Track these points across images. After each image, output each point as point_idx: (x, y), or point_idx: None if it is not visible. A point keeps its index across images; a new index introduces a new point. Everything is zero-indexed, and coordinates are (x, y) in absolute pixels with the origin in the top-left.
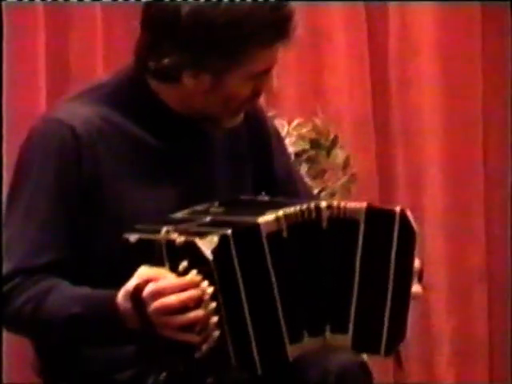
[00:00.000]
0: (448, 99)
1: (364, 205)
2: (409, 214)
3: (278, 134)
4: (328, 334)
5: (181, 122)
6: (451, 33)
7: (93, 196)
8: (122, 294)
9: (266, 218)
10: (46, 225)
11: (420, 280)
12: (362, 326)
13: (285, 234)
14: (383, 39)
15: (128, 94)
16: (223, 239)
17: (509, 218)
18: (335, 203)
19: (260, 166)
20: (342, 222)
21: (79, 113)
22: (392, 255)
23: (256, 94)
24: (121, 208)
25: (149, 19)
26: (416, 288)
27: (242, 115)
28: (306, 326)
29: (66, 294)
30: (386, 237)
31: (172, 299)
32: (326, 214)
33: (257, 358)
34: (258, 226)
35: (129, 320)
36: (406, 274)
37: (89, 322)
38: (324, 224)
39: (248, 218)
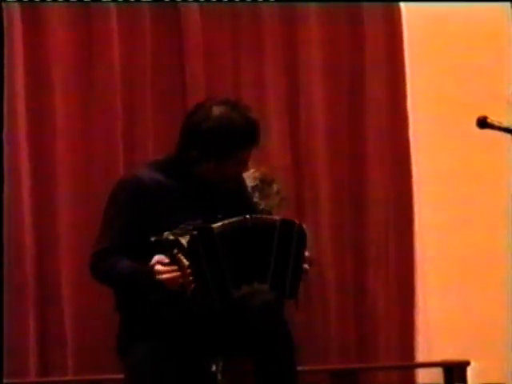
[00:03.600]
0: None
1: (279, 218)
2: (304, 225)
3: (247, 188)
4: (256, 284)
5: (198, 181)
6: None
7: (151, 217)
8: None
9: (216, 224)
10: (120, 231)
11: (310, 263)
12: (274, 281)
13: (227, 232)
14: None
15: (171, 166)
16: (192, 236)
17: None
18: (258, 215)
19: (235, 203)
20: (265, 225)
21: (144, 172)
22: (293, 244)
23: (239, 172)
24: (162, 222)
25: (185, 127)
26: (305, 266)
27: (233, 183)
28: (243, 281)
29: (124, 264)
30: (290, 234)
31: (165, 273)
32: (252, 221)
33: (215, 297)
34: (211, 228)
35: (150, 281)
36: (300, 255)
37: (133, 279)
38: (250, 225)
39: (209, 225)
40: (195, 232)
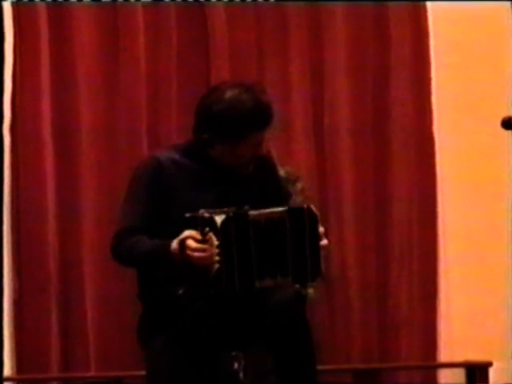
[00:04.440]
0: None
1: (286, 207)
2: (312, 207)
3: (277, 172)
4: (279, 278)
5: (217, 165)
6: None
7: (168, 196)
8: (174, 241)
9: (254, 211)
10: (141, 209)
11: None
12: (296, 271)
13: (262, 221)
14: None
15: (191, 150)
16: (227, 217)
17: None
18: (267, 210)
19: (265, 189)
20: (276, 219)
21: (165, 154)
22: (306, 228)
23: (254, 155)
24: (180, 201)
25: (198, 110)
26: (324, 241)
27: (250, 167)
28: (267, 273)
29: (146, 242)
30: (301, 219)
31: (194, 245)
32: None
33: (237, 283)
34: (247, 213)
35: (174, 254)
36: (315, 237)
37: (155, 255)
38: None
39: (245, 210)
40: (231, 214)
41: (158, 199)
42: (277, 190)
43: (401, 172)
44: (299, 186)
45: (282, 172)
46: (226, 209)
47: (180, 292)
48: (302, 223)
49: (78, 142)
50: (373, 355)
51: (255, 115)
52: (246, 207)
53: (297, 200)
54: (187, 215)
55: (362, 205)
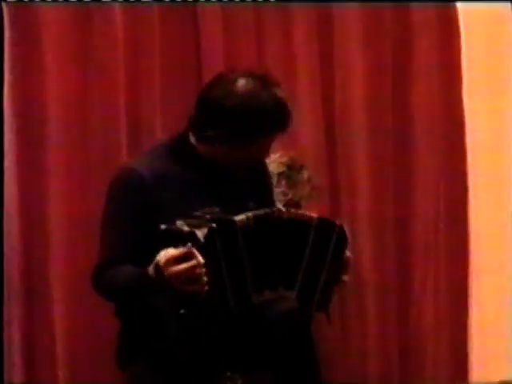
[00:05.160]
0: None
1: (316, 215)
2: (345, 226)
3: (268, 175)
4: (281, 289)
5: (208, 166)
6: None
7: (155, 216)
8: (151, 267)
9: (239, 216)
10: (121, 236)
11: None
12: (303, 289)
13: (252, 226)
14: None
15: (177, 149)
16: (210, 230)
17: None
18: (292, 209)
19: (257, 191)
20: (298, 222)
21: (146, 164)
22: (330, 250)
23: (257, 159)
24: (170, 219)
25: (203, 104)
26: (345, 277)
27: (244, 170)
28: (266, 285)
29: (125, 273)
30: (327, 238)
31: (176, 269)
32: (286, 215)
33: (232, 302)
34: (233, 220)
35: (155, 281)
36: (336, 265)
37: (136, 287)
38: (279, 220)
39: (230, 217)
40: (214, 225)
41: (143, 221)
42: (267, 195)
43: (425, 157)
44: (305, 174)
45: (284, 158)
46: (207, 215)
47: (182, 311)
48: (328, 239)
49: (42, 130)
50: (392, 375)
51: (274, 116)
52: (250, 204)
53: (303, 191)
54: (162, 227)
55: (379, 195)
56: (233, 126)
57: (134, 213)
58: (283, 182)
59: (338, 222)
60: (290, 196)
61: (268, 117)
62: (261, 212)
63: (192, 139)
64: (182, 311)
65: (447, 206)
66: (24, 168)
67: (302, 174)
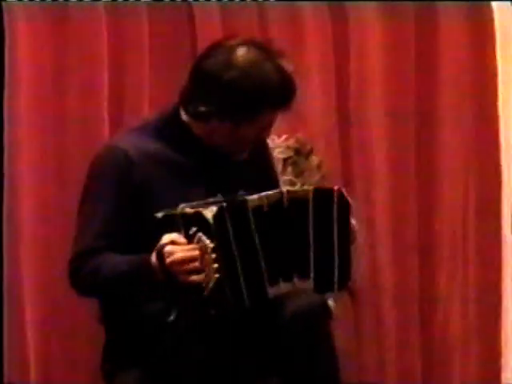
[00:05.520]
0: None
1: (311, 187)
2: (344, 190)
3: (272, 157)
4: (296, 280)
5: (203, 147)
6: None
7: (142, 198)
8: (152, 254)
9: (252, 197)
10: (105, 221)
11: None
12: (319, 273)
13: (265, 209)
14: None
15: (167, 128)
16: (220, 208)
17: None
18: (293, 188)
19: (260, 175)
20: (298, 200)
21: (131, 141)
22: (334, 222)
23: (257, 139)
24: (161, 205)
25: (198, 75)
26: (351, 248)
27: (246, 152)
28: (280, 274)
29: (116, 260)
30: (328, 207)
31: (180, 255)
32: (286, 197)
33: (245, 294)
34: (246, 201)
35: (156, 271)
36: (345, 231)
37: (132, 275)
38: (285, 203)
39: (241, 197)
40: (224, 204)
41: (130, 207)
42: (272, 179)
43: (452, 144)
44: (315, 160)
45: (291, 142)
46: (211, 199)
47: (171, 318)
48: (329, 210)
49: (15, 103)
50: None
51: (278, 90)
52: (241, 192)
53: (312, 179)
54: (159, 215)
55: (399, 185)
56: (231, 101)
57: (119, 194)
58: (289, 169)
59: (335, 188)
60: (297, 185)
61: (271, 91)
62: (270, 193)
63: (184, 116)
64: (171, 318)
65: (477, 199)
66: None
67: (310, 160)
